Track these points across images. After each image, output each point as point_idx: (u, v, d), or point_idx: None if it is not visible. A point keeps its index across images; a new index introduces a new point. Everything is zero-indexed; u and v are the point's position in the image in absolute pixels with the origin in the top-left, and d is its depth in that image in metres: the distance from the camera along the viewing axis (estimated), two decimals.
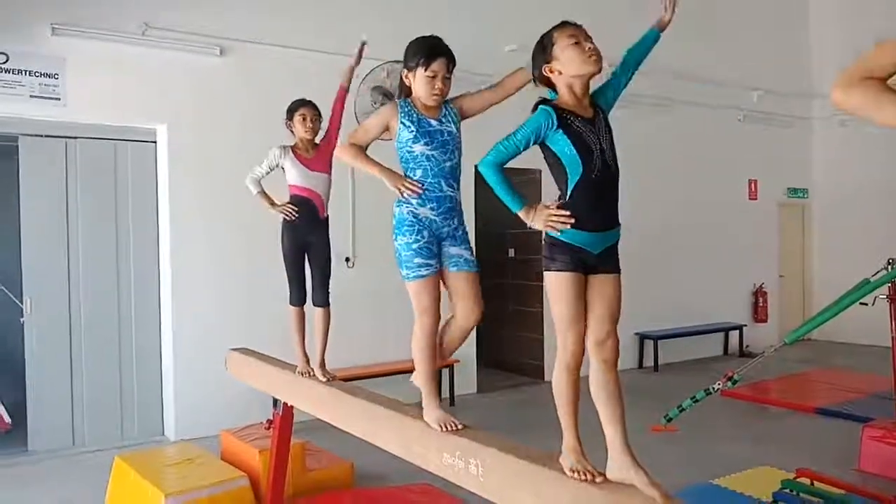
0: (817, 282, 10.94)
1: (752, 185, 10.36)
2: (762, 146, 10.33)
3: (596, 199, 2.04)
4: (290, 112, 3.70)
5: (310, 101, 3.71)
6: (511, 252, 8.80)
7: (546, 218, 2.02)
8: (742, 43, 9.89)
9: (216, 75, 6.23)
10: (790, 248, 11.00)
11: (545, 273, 2.06)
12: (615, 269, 2.08)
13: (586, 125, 2.06)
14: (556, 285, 2.02)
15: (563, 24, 2.13)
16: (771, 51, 10.40)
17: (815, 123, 10.99)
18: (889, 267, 5.60)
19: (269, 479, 3.91)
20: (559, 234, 2.02)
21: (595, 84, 2.17)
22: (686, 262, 9.30)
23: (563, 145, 2.03)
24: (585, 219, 2.01)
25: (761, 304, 10.28)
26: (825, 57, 10.80)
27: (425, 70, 2.48)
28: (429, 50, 2.49)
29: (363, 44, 3.52)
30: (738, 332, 9.79)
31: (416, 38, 2.55)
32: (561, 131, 2.03)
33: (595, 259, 2.04)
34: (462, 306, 2.54)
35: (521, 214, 2.06)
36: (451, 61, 2.52)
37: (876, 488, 4.28)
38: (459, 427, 2.39)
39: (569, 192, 2.04)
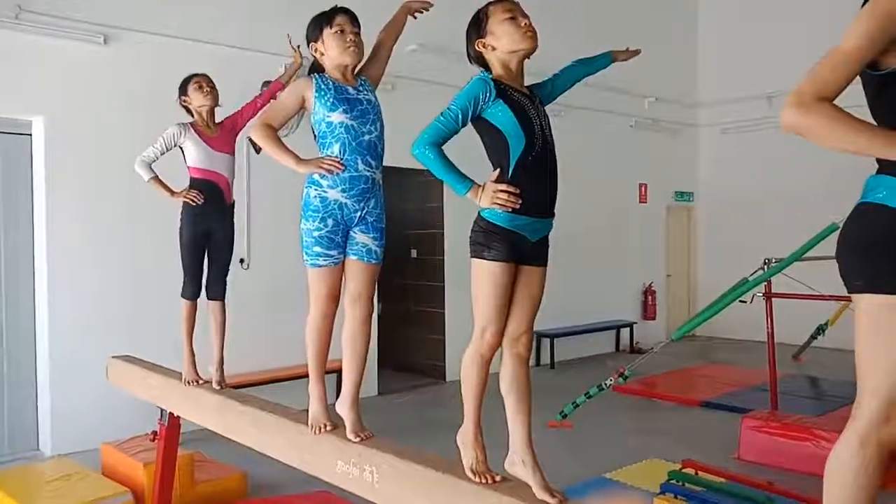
0: (702, 281, 11.57)
1: (643, 188, 10.83)
2: (652, 151, 10.82)
3: (538, 178, 1.93)
4: (184, 85, 3.44)
5: (201, 73, 3.48)
6: (413, 252, 8.78)
7: (493, 195, 1.88)
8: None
9: (99, 65, 5.84)
10: (677, 249, 11.57)
11: (475, 260, 1.94)
12: (545, 262, 2.02)
13: (525, 98, 1.98)
14: (488, 275, 1.91)
15: None
16: (662, 60, 10.88)
17: (700, 131, 11.63)
18: (765, 267, 6.00)
19: (154, 493, 3.70)
20: (498, 218, 1.90)
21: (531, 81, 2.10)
22: (580, 261, 9.55)
23: (503, 116, 1.92)
24: (528, 201, 1.89)
25: (650, 303, 10.76)
26: (709, 68, 11.46)
27: (331, 27, 2.43)
28: (329, 11, 2.48)
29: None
30: (629, 329, 10.20)
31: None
32: (500, 101, 1.92)
33: (530, 248, 1.96)
34: (349, 297, 2.43)
35: (469, 196, 1.92)
36: (354, 18, 2.49)
37: (752, 475, 4.55)
38: (329, 429, 2.38)
39: (511, 169, 1.91)
